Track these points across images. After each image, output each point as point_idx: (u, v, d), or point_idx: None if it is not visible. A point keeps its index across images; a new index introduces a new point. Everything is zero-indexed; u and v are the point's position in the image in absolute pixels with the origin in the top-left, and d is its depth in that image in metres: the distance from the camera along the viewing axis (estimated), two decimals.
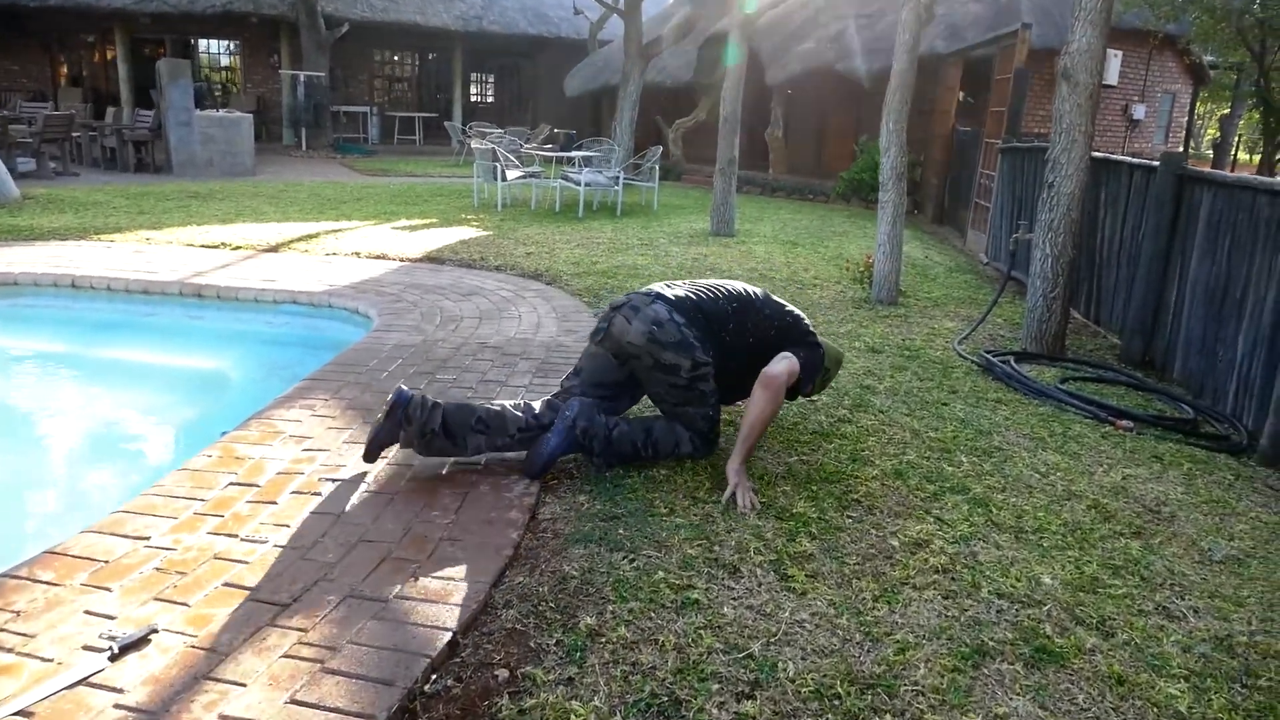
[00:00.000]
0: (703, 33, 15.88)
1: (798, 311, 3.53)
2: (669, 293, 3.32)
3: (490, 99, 25.98)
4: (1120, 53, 14.12)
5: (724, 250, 8.31)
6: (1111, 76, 14.15)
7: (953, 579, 2.61)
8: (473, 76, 25.25)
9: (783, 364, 3.21)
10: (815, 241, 9.34)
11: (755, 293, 3.48)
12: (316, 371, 4.29)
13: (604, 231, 9.21)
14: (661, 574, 2.50)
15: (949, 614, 2.42)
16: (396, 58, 23.81)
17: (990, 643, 2.31)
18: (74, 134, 15.09)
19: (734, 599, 2.42)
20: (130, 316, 5.96)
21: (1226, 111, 21.66)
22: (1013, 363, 5.06)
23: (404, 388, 3.13)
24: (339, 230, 8.53)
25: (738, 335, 3.33)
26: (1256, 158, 19.17)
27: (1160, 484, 3.56)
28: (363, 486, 3.01)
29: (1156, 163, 5.42)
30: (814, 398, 4.07)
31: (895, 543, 2.79)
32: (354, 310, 5.72)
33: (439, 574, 2.46)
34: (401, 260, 7.16)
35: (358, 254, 7.29)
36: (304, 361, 4.80)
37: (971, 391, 4.51)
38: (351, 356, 4.54)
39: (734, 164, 9.22)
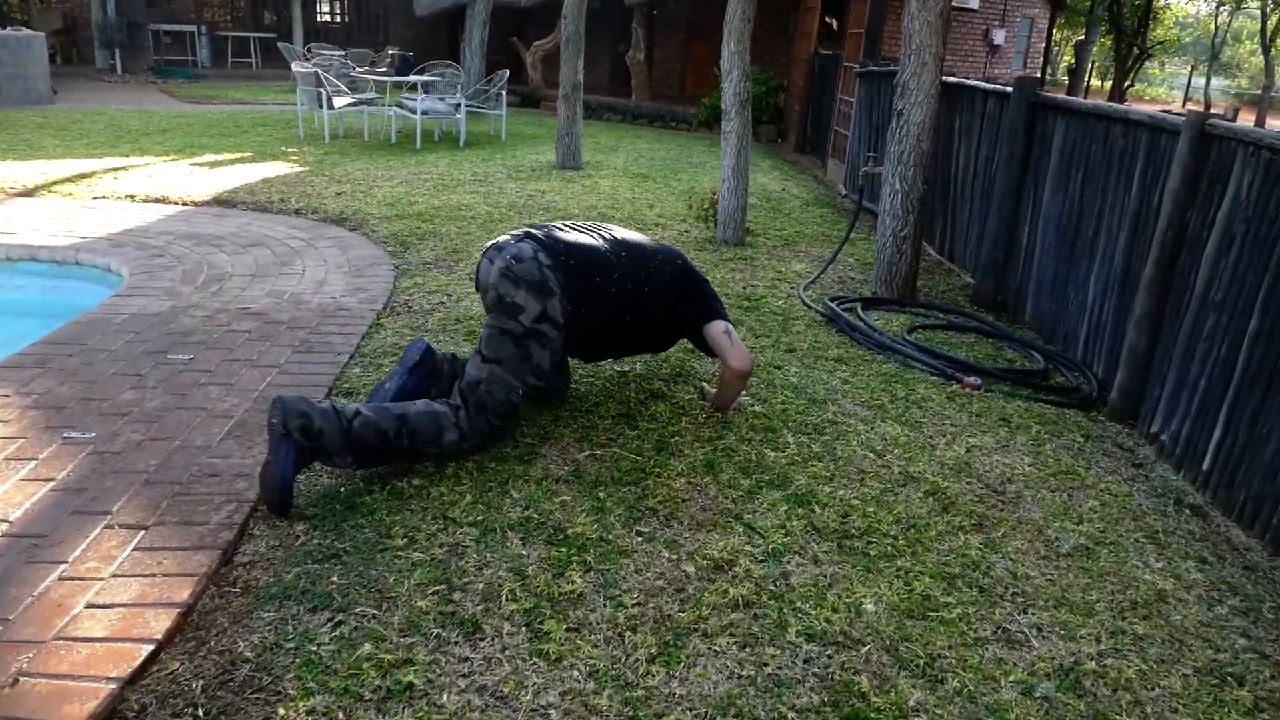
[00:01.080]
0: None
1: (679, 253, 3.18)
2: (540, 232, 2.82)
3: (345, 19, 23.94)
4: None
5: (565, 185, 7.59)
6: (973, 1, 13.90)
7: (755, 616, 2.10)
8: None
9: (735, 347, 3.02)
10: (668, 174, 8.72)
11: (639, 237, 3.10)
12: (16, 353, 3.44)
13: (437, 165, 8.33)
14: (371, 645, 1.89)
15: (744, 673, 1.90)
16: None
17: (791, 714, 1.80)
18: None
19: (464, 676, 1.83)
20: None
21: (1082, 38, 22.00)
22: (859, 310, 4.62)
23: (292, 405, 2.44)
24: (124, 168, 7.37)
25: (629, 282, 2.87)
26: (1109, 84, 19.55)
27: (1006, 455, 3.16)
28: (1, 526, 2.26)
29: (1009, 88, 5.00)
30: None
31: (691, 568, 2.26)
32: (105, 268, 4.78)
33: (52, 672, 1.78)
34: (184, 204, 6.16)
35: (132, 197, 6.24)
36: (29, 336, 3.91)
37: (811, 349, 4.03)
38: (72, 331, 3.68)
39: (578, 89, 8.44)
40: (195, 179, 7.03)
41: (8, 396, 3.02)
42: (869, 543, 2.46)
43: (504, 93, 10.88)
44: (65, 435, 2.77)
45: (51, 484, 2.48)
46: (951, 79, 6.01)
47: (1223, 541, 2.77)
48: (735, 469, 2.79)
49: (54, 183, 6.56)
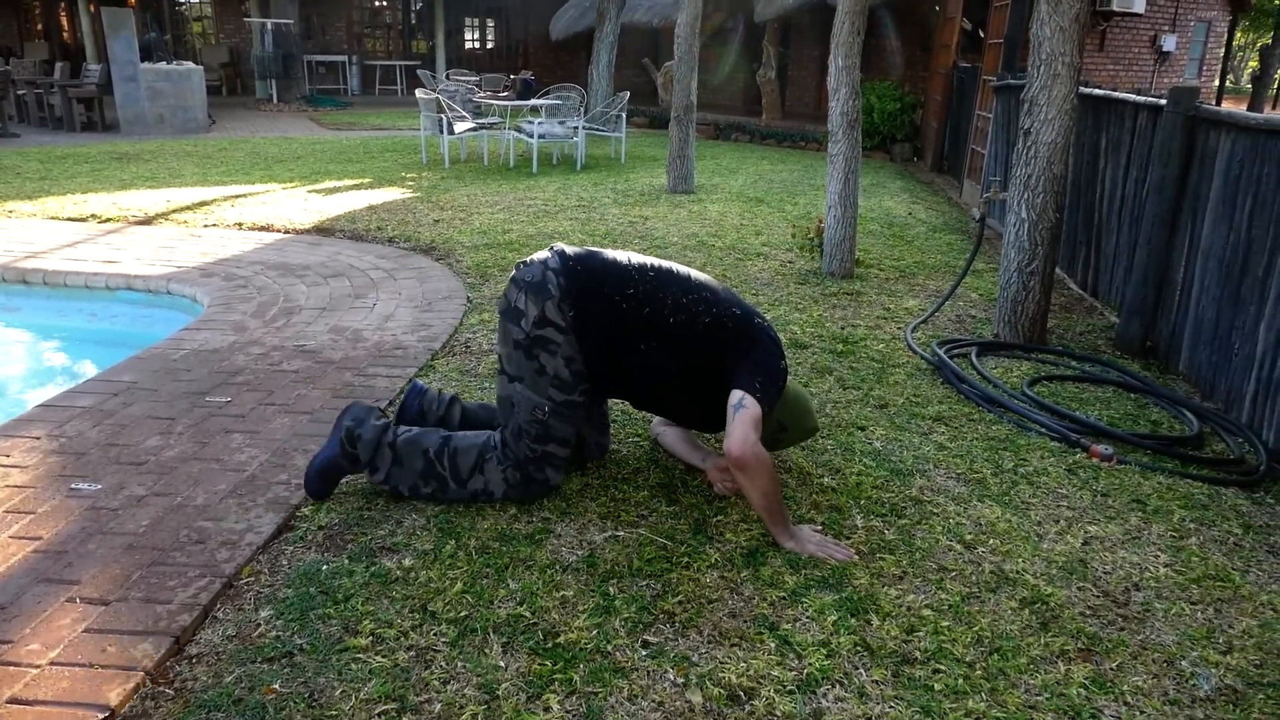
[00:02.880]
0: None
1: (756, 312, 2.70)
2: (566, 246, 2.61)
3: (490, 45, 24.63)
4: None
5: (671, 211, 7.26)
6: (1138, 4, 12.69)
7: None
8: (467, 22, 23.92)
9: (738, 429, 2.35)
10: (785, 198, 8.24)
11: (704, 279, 2.68)
12: (68, 389, 3.40)
13: (546, 190, 8.18)
14: None
15: None
16: (379, 3, 22.56)
17: None
18: (19, 92, 14.25)
19: None
20: None
21: (1269, 42, 19.88)
22: (973, 356, 4.05)
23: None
24: (245, 195, 7.58)
25: (647, 305, 2.51)
26: None
27: (1136, 550, 2.57)
28: None
29: (1162, 101, 4.30)
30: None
31: (698, 698, 1.84)
32: (192, 299, 4.80)
33: None
34: (286, 232, 6.21)
35: (239, 225, 6.35)
36: (110, 365, 3.90)
37: (907, 404, 3.50)
38: (128, 367, 3.63)
39: (691, 110, 8.11)
40: (306, 206, 7.12)
41: (37, 439, 2.93)
42: (935, 671, 1.97)
43: (624, 115, 10.69)
44: (72, 487, 2.63)
45: (36, 544, 2.32)
46: (1096, 91, 5.31)
47: None
48: (782, 561, 2.34)
49: (174, 210, 6.78)
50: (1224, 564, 2.54)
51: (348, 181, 8.58)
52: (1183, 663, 2.09)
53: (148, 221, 6.42)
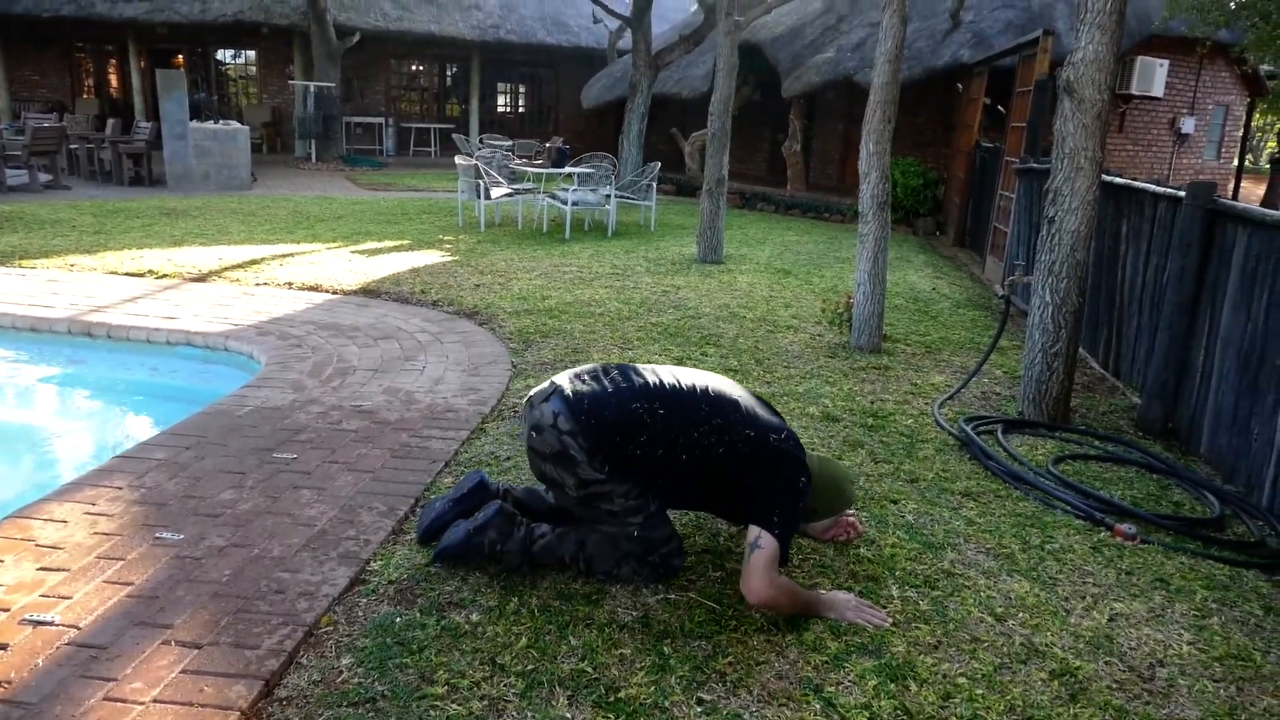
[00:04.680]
0: (714, 42, 15.07)
1: (772, 425, 2.67)
2: (569, 388, 2.58)
3: (521, 109, 25.38)
4: (1166, 62, 13.02)
5: (702, 281, 7.50)
6: (1157, 88, 13.06)
7: None
8: (500, 87, 24.69)
9: (754, 575, 2.45)
10: (812, 269, 8.48)
11: (720, 396, 2.64)
12: (143, 442, 3.61)
13: (580, 257, 8.46)
14: None
15: None
16: (415, 67, 23.36)
17: None
18: (71, 146, 14.82)
19: None
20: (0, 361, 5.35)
21: None
22: (1000, 434, 4.20)
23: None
24: (292, 254, 7.90)
25: (660, 446, 2.53)
26: None
27: (1160, 628, 2.69)
28: (61, 642, 2.28)
29: (1181, 193, 4.51)
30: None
31: None
32: (249, 356, 5.04)
33: None
34: (334, 293, 6.48)
35: (290, 285, 6.63)
36: (172, 421, 4.12)
37: (937, 479, 3.66)
38: (196, 422, 3.84)
39: (723, 184, 8.41)
40: (351, 266, 7.42)
41: (120, 489, 3.13)
42: None
43: (654, 184, 11.04)
44: (157, 535, 2.82)
45: (129, 589, 2.50)
46: (1118, 179, 5.54)
47: None
48: (824, 627, 2.49)
49: (226, 268, 7.08)
50: (1245, 644, 2.66)
51: (389, 243, 8.90)
52: None
53: (202, 279, 6.72)
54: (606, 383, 2.60)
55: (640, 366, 2.70)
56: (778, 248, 9.96)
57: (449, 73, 23.61)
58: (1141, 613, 2.77)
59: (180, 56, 20.75)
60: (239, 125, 14.37)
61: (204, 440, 3.61)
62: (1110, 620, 2.71)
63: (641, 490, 2.59)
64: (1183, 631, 2.69)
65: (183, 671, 2.16)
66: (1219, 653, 2.59)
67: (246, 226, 9.52)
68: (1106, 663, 2.48)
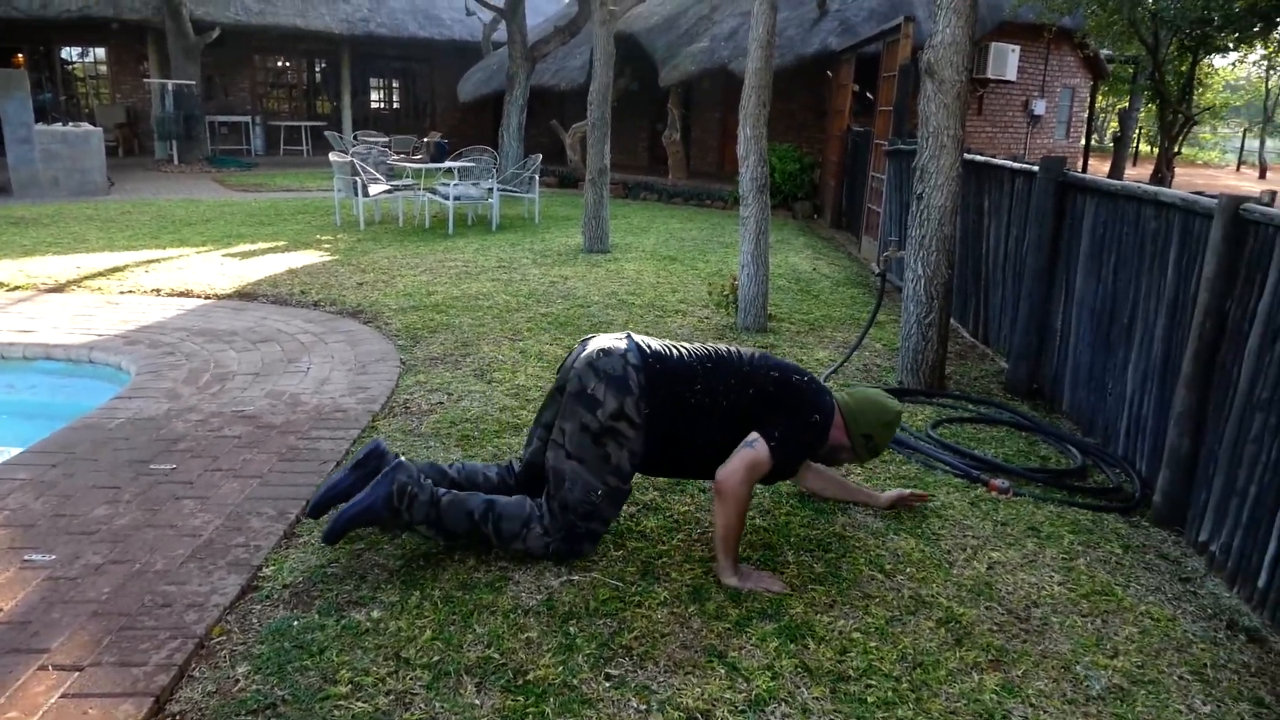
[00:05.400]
0: (590, 33, 15.09)
1: (794, 368, 2.87)
2: (638, 338, 2.79)
3: (396, 105, 24.76)
4: (1018, 47, 13.79)
5: (589, 271, 7.53)
6: (1010, 72, 13.82)
7: None
8: (373, 83, 24.02)
9: (736, 461, 2.61)
10: (696, 256, 8.62)
11: (742, 352, 2.88)
12: (3, 463, 3.38)
13: (464, 252, 8.35)
14: None
15: None
16: (282, 64, 22.48)
17: None
18: None
19: None
20: None
21: (1125, 106, 21.73)
22: None
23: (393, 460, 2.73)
24: (158, 260, 7.51)
25: (707, 395, 2.71)
26: (1157, 150, 19.17)
27: (1034, 572, 2.88)
28: None
29: (1036, 167, 4.81)
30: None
31: None
32: (117, 367, 4.78)
33: None
34: (207, 297, 6.20)
35: (158, 291, 6.31)
36: (34, 439, 3.86)
37: None
38: (63, 438, 3.63)
39: (605, 174, 8.45)
40: (224, 270, 7.11)
41: None
42: (868, 686, 2.21)
43: (537, 176, 10.99)
44: (25, 558, 2.66)
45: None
46: (978, 157, 5.85)
47: None
48: (725, 596, 2.56)
49: (86, 277, 6.68)
50: (1108, 580, 2.87)
51: (262, 244, 8.57)
52: (1077, 667, 2.38)
53: (60, 289, 6.32)
54: (665, 344, 2.81)
55: (685, 344, 2.89)
56: (662, 235, 10.07)
57: (318, 68, 22.83)
58: (1016, 559, 2.96)
59: (20, 55, 19.38)
60: (91, 127, 13.53)
61: (72, 456, 3.41)
62: (989, 569, 2.88)
63: (639, 466, 2.70)
64: (1053, 574, 2.88)
65: (63, 696, 2.05)
66: (1085, 590, 2.80)
67: (105, 233, 8.99)
68: (987, 607, 2.64)
